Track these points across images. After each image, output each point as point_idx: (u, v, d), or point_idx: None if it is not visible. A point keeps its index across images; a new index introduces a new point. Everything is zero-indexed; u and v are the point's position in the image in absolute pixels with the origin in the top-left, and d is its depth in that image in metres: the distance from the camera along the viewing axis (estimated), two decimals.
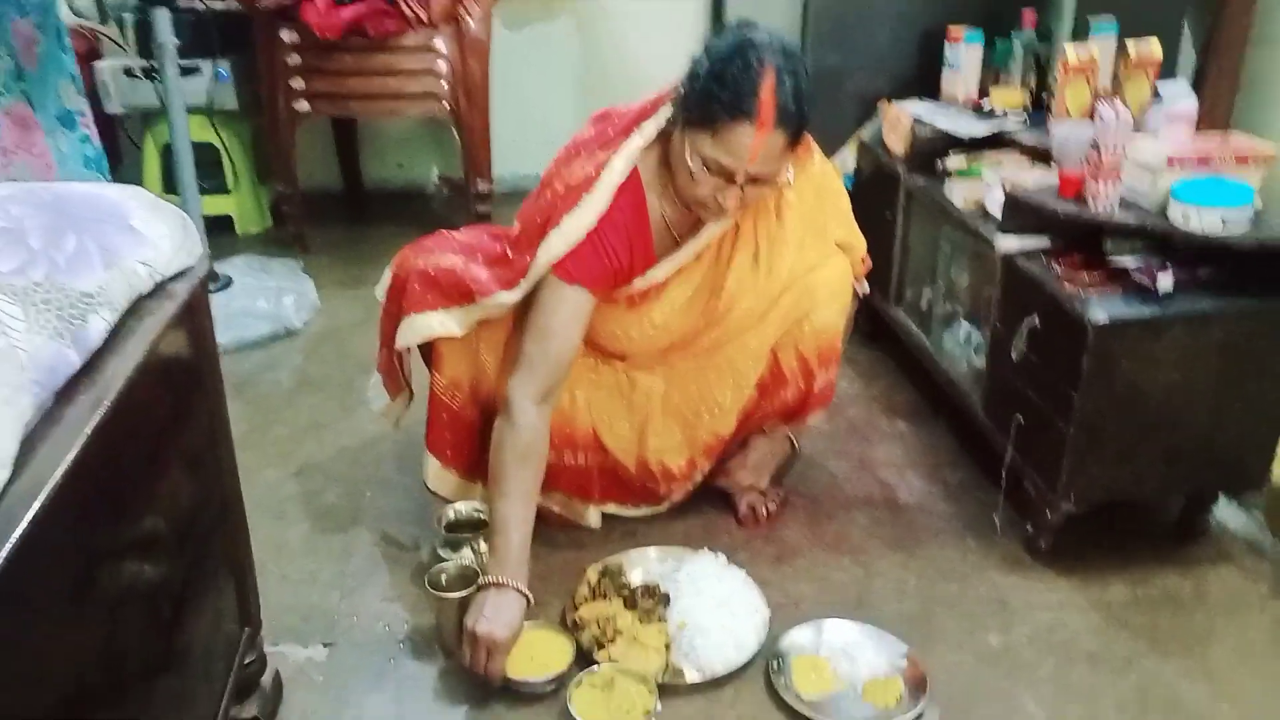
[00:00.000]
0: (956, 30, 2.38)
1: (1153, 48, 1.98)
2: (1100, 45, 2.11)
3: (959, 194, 2.07)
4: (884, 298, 2.45)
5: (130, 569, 0.98)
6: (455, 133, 3.20)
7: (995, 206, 1.92)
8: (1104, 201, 1.72)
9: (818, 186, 1.77)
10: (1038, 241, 1.84)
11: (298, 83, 3.04)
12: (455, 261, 1.70)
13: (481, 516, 1.73)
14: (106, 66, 3.19)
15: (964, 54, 2.37)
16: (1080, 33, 2.30)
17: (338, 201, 3.74)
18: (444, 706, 1.50)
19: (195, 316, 1.18)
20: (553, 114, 3.65)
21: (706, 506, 1.95)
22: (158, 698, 1.03)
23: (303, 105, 3.08)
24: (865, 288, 1.93)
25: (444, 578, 1.60)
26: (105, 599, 0.91)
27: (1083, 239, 1.78)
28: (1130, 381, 1.64)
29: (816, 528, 1.92)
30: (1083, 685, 1.55)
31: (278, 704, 1.47)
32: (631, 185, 1.61)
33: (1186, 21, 2.60)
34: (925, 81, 2.50)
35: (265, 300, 2.80)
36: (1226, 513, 1.94)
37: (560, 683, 1.50)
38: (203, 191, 2.99)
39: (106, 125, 3.11)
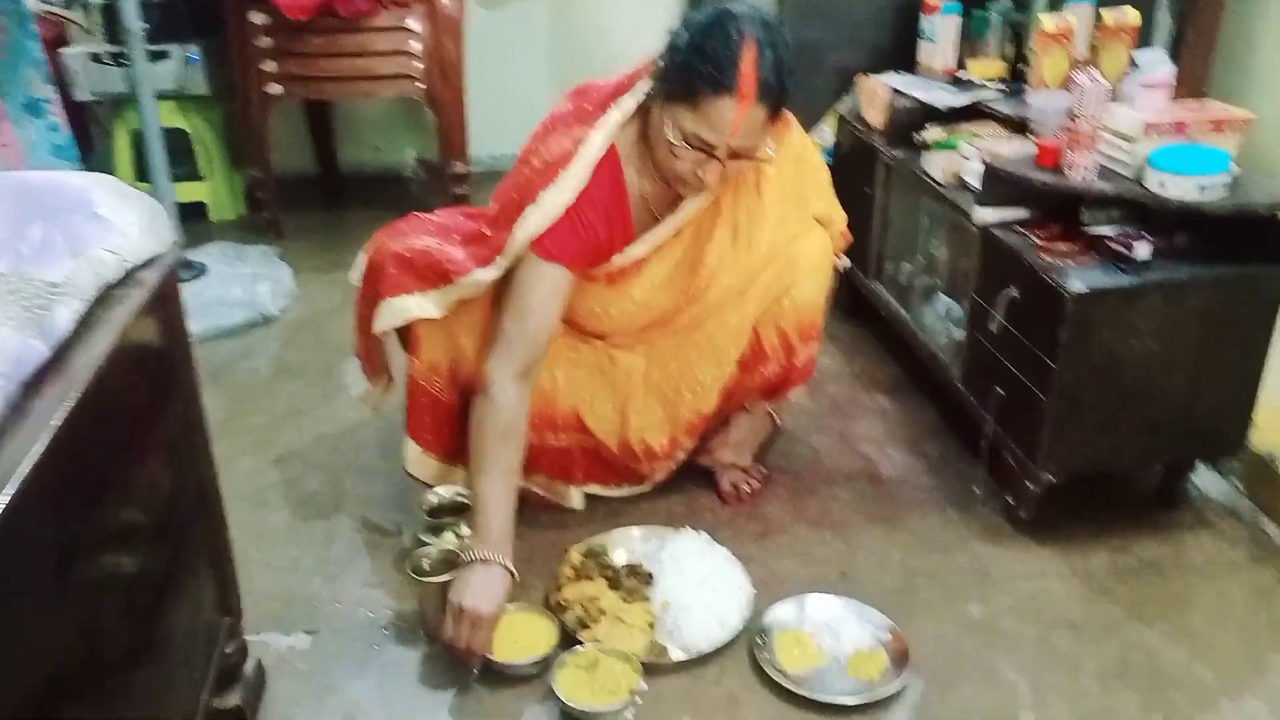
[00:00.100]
0: (933, 1, 2.37)
1: (1129, 15, 1.97)
2: (1077, 13, 2.10)
3: (937, 166, 2.07)
4: (864, 272, 2.45)
5: (107, 559, 0.97)
6: (430, 114, 3.17)
7: (973, 178, 1.91)
8: (1081, 171, 1.72)
9: (797, 159, 1.76)
10: (1015, 213, 1.84)
11: (269, 65, 2.99)
12: (430, 243, 1.68)
13: (464, 501, 1.72)
14: (74, 53, 3.12)
15: (941, 25, 2.36)
16: (1057, 2, 2.29)
17: (313, 186, 3.69)
18: (428, 691, 1.50)
19: (167, 304, 1.16)
20: (529, 93, 3.60)
21: (689, 485, 1.96)
22: (137, 689, 1.03)
23: (275, 88, 3.03)
24: (845, 262, 1.93)
25: (426, 563, 1.59)
26: (81, 590, 0.90)
27: (1060, 209, 1.78)
28: (1109, 351, 1.65)
29: (799, 503, 1.93)
30: (1064, 653, 1.57)
31: (261, 693, 1.47)
32: (610, 161, 1.60)
33: None
34: (902, 54, 2.48)
35: (240, 287, 2.77)
36: (1205, 480, 1.96)
37: (545, 665, 1.49)
38: (175, 178, 2.94)
39: (76, 113, 3.05)
